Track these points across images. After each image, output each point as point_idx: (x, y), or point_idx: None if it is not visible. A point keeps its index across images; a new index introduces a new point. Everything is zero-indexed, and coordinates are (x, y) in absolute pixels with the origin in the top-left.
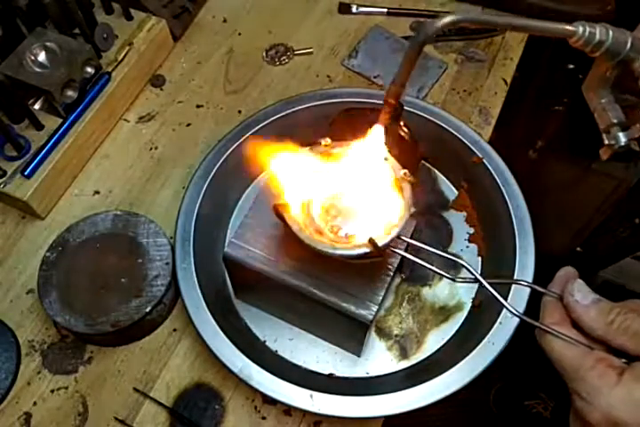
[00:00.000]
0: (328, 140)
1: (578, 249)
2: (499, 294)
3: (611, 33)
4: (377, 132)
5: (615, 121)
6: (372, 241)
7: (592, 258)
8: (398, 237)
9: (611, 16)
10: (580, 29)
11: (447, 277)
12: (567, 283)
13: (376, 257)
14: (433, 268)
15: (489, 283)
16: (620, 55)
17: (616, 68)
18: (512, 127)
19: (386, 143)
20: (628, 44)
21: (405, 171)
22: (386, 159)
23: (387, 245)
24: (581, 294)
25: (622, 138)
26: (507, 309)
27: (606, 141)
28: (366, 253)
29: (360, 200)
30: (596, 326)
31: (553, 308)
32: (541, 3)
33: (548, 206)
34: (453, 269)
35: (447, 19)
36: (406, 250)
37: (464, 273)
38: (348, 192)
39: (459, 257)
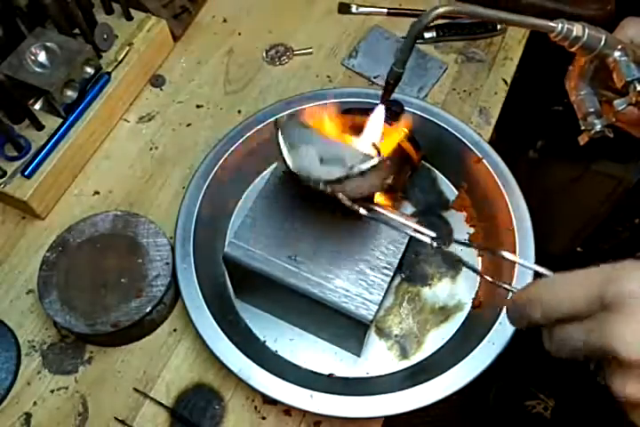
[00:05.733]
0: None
1: (578, 249)
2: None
3: (587, 30)
4: (379, 110)
5: (592, 110)
6: (374, 145)
7: (592, 258)
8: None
9: (611, 16)
10: (560, 26)
11: (428, 242)
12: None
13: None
14: (408, 222)
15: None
16: (595, 50)
17: (593, 62)
18: (512, 127)
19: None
20: (602, 41)
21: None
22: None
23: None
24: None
25: (598, 124)
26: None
27: (583, 127)
28: (372, 166)
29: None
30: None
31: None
32: (541, 3)
33: (547, 206)
34: (453, 270)
35: (446, 8)
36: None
37: (462, 274)
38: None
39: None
